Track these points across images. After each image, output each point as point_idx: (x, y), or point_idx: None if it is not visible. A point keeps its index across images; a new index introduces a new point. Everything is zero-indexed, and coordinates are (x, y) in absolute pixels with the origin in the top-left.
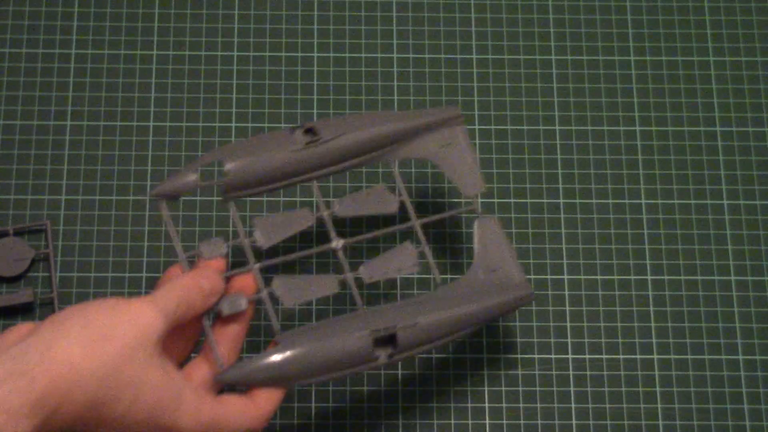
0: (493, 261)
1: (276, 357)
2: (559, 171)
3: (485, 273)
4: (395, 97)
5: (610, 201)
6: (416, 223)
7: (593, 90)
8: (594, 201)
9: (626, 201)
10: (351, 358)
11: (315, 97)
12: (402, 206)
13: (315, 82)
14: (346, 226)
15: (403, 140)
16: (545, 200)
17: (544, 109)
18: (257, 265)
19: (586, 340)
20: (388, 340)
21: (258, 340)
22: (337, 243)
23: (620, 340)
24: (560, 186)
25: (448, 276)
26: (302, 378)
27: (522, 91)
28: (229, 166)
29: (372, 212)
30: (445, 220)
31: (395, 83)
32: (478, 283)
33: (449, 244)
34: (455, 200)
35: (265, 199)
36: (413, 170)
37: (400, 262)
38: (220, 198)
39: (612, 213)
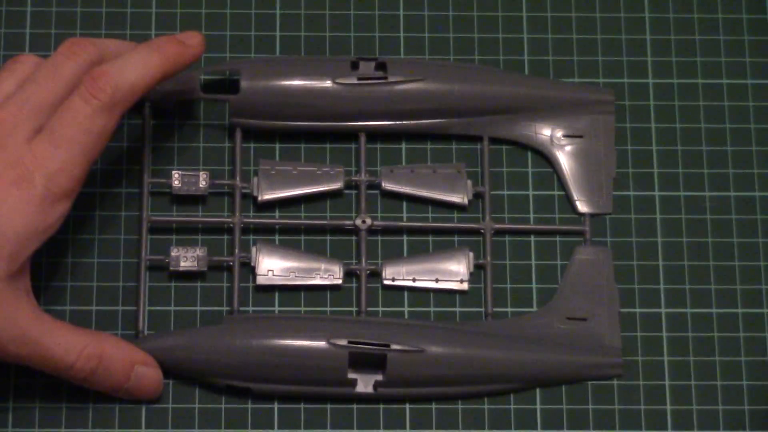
0: (582, 308)
1: (199, 339)
2: None
3: (563, 320)
4: None
5: None
6: (489, 226)
7: None
8: None
9: None
10: (310, 371)
11: None
12: (477, 199)
13: None
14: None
15: (510, 112)
16: None
17: None
18: (240, 219)
19: None
20: (376, 362)
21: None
22: (362, 221)
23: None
24: None
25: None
26: (231, 378)
27: None
28: (244, 83)
29: (432, 196)
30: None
31: None
32: (547, 328)
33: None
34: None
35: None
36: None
37: (445, 271)
38: (225, 121)
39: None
